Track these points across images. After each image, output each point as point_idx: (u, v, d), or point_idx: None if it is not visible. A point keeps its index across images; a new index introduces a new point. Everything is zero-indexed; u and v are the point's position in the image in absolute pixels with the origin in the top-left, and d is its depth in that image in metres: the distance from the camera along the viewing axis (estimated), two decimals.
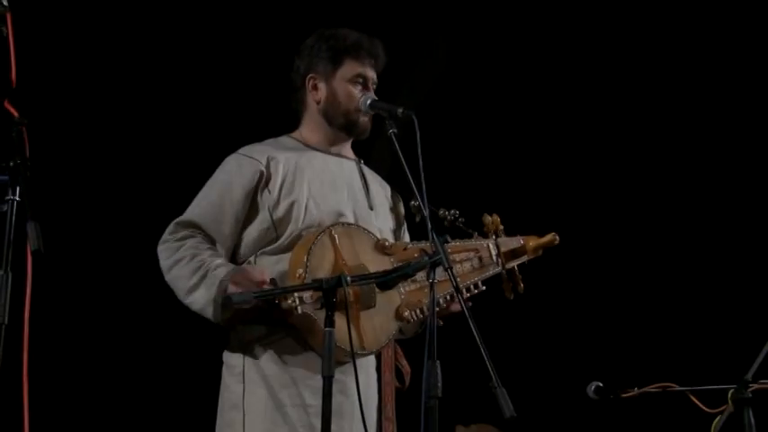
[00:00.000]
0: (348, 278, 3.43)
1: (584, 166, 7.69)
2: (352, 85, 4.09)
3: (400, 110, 3.93)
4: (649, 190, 7.62)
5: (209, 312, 3.81)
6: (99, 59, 7.31)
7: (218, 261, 3.85)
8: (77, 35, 7.20)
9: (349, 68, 4.08)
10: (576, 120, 7.76)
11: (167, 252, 3.92)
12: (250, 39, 7.61)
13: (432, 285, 3.49)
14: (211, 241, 3.93)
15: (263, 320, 3.84)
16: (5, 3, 2.96)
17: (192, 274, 3.84)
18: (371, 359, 3.97)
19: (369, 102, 4.03)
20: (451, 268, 3.55)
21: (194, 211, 3.97)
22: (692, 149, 7.53)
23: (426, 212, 3.69)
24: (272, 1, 7.52)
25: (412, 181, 3.74)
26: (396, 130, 3.90)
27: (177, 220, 3.98)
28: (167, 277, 3.92)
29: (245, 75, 7.61)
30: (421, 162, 3.68)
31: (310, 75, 4.12)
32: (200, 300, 3.82)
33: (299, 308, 3.65)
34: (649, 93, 7.64)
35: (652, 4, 7.54)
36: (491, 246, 4.22)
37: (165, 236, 3.96)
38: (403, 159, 3.76)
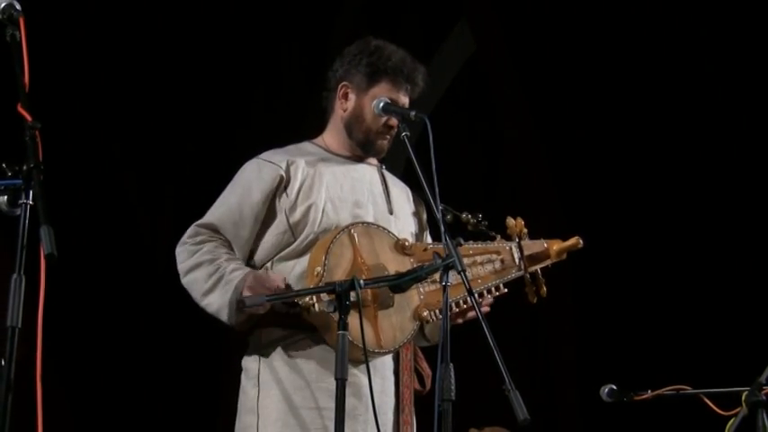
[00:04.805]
0: (361, 281, 3.43)
1: (604, 169, 7.69)
2: None
3: (413, 113, 3.92)
4: (664, 195, 7.62)
5: (224, 315, 3.83)
6: (115, 64, 7.33)
7: (235, 265, 3.87)
8: (93, 40, 7.22)
9: (383, 90, 4.03)
10: (599, 120, 7.75)
11: (184, 255, 3.94)
12: (269, 42, 7.62)
13: (444, 288, 3.49)
14: (229, 246, 3.94)
15: (279, 323, 3.84)
16: (18, 7, 2.96)
17: (208, 277, 3.86)
18: (388, 363, 3.96)
19: (381, 105, 4.01)
20: (465, 271, 3.55)
21: (214, 214, 3.99)
22: (713, 157, 7.52)
23: (439, 215, 3.69)
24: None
25: (425, 184, 3.74)
26: (408, 133, 3.90)
27: (197, 222, 3.99)
28: (183, 280, 3.94)
29: (266, 80, 7.63)
30: (434, 165, 3.68)
31: (344, 83, 4.08)
32: (216, 302, 3.84)
33: (315, 305, 3.65)
34: (672, 93, 7.63)
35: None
36: (514, 249, 4.19)
37: (184, 238, 3.98)
38: (416, 162, 3.76)
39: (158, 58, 7.58)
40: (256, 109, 8.28)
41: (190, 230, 3.98)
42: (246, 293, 3.75)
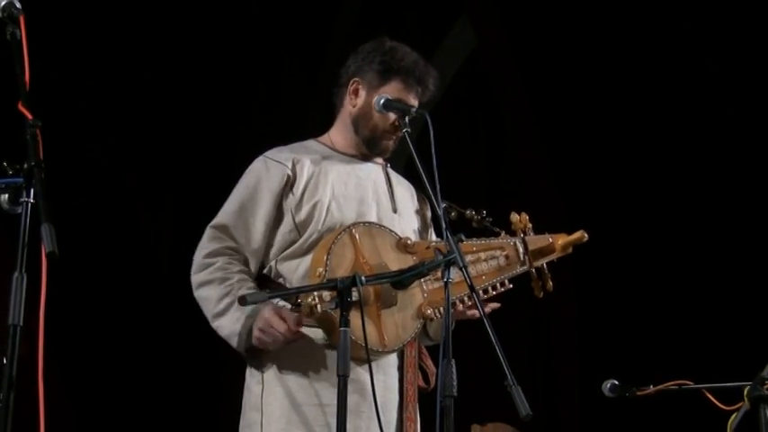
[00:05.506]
0: (363, 278, 3.44)
1: (606, 164, 7.69)
2: None
3: (414, 109, 3.94)
4: (666, 190, 7.62)
5: (233, 342, 3.86)
6: (116, 62, 7.33)
7: (246, 288, 3.86)
8: (94, 38, 7.22)
9: (393, 89, 4.04)
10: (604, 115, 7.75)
11: (198, 267, 3.94)
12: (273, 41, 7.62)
13: (446, 284, 3.50)
14: (243, 257, 3.94)
15: (285, 349, 3.83)
16: (19, 5, 2.96)
17: (219, 298, 3.85)
18: (392, 359, 3.96)
19: (382, 101, 4.02)
20: (466, 267, 3.55)
21: (225, 214, 3.97)
22: (716, 152, 7.52)
23: (440, 210, 3.69)
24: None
25: (426, 180, 3.74)
26: (409, 129, 3.91)
27: (211, 223, 3.98)
28: (195, 294, 3.94)
29: (267, 78, 7.63)
30: (435, 161, 3.68)
31: (355, 79, 4.10)
32: (226, 328, 3.85)
33: (318, 306, 3.65)
34: (676, 89, 7.63)
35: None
36: (518, 244, 4.19)
37: (202, 242, 3.97)
38: (417, 159, 3.76)
39: (159, 56, 7.59)
40: (257, 107, 8.28)
41: (206, 233, 3.97)
42: (257, 333, 3.76)
